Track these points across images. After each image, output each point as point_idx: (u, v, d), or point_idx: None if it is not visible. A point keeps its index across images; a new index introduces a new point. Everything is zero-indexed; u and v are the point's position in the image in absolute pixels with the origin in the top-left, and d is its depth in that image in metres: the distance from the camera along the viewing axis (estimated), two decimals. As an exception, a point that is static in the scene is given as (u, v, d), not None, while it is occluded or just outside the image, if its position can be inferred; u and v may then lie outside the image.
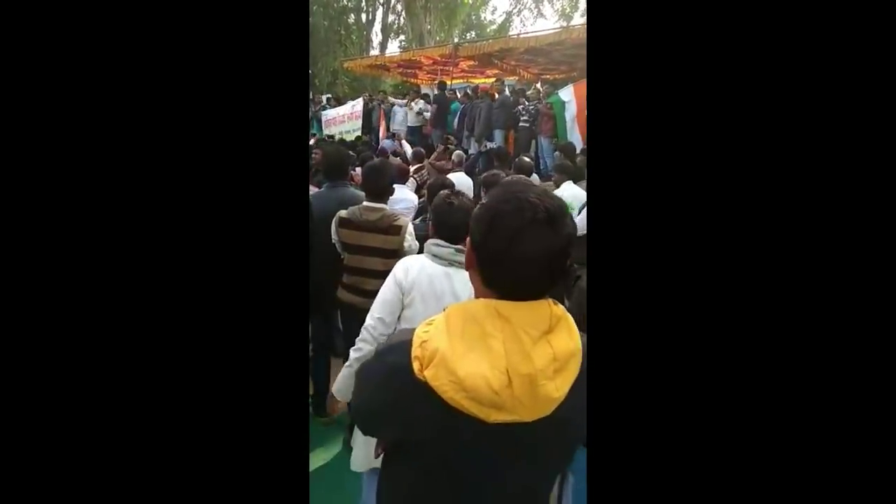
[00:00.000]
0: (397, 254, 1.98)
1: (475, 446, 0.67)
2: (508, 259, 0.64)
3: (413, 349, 0.65)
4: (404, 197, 3.19)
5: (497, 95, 6.91)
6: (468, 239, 0.70)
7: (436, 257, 1.42)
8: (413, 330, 0.69)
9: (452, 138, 6.77)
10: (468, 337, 0.64)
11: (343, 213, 2.05)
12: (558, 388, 0.64)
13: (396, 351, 0.68)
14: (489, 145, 6.64)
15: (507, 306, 0.65)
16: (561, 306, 0.69)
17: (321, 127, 8.48)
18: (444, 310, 0.71)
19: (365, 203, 2.04)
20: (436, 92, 8.31)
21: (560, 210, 0.65)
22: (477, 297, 0.70)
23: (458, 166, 4.94)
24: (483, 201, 0.70)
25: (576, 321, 0.70)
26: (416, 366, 0.64)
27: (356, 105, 8.26)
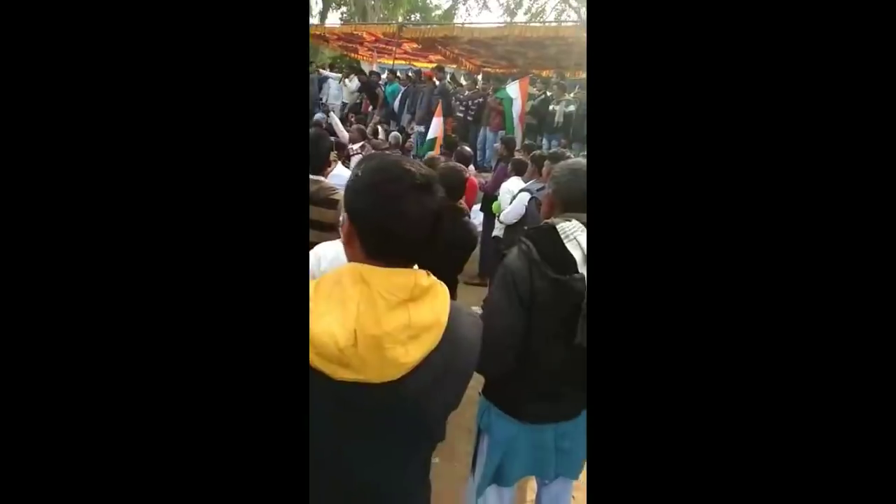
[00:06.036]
0: (333, 227, 1.96)
1: (323, 405, 0.66)
2: (393, 225, 0.68)
3: None
4: (339, 173, 3.14)
5: (437, 82, 6.93)
6: (345, 213, 0.72)
7: None
8: None
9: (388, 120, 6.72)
10: (331, 299, 0.67)
11: None
12: (409, 353, 0.67)
13: None
14: (417, 128, 6.70)
15: (370, 271, 0.68)
16: (433, 278, 0.72)
17: None
18: None
19: (302, 174, 1.99)
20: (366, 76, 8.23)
21: (432, 177, 0.71)
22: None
23: (394, 147, 4.92)
24: (356, 173, 0.72)
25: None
26: None
27: None
